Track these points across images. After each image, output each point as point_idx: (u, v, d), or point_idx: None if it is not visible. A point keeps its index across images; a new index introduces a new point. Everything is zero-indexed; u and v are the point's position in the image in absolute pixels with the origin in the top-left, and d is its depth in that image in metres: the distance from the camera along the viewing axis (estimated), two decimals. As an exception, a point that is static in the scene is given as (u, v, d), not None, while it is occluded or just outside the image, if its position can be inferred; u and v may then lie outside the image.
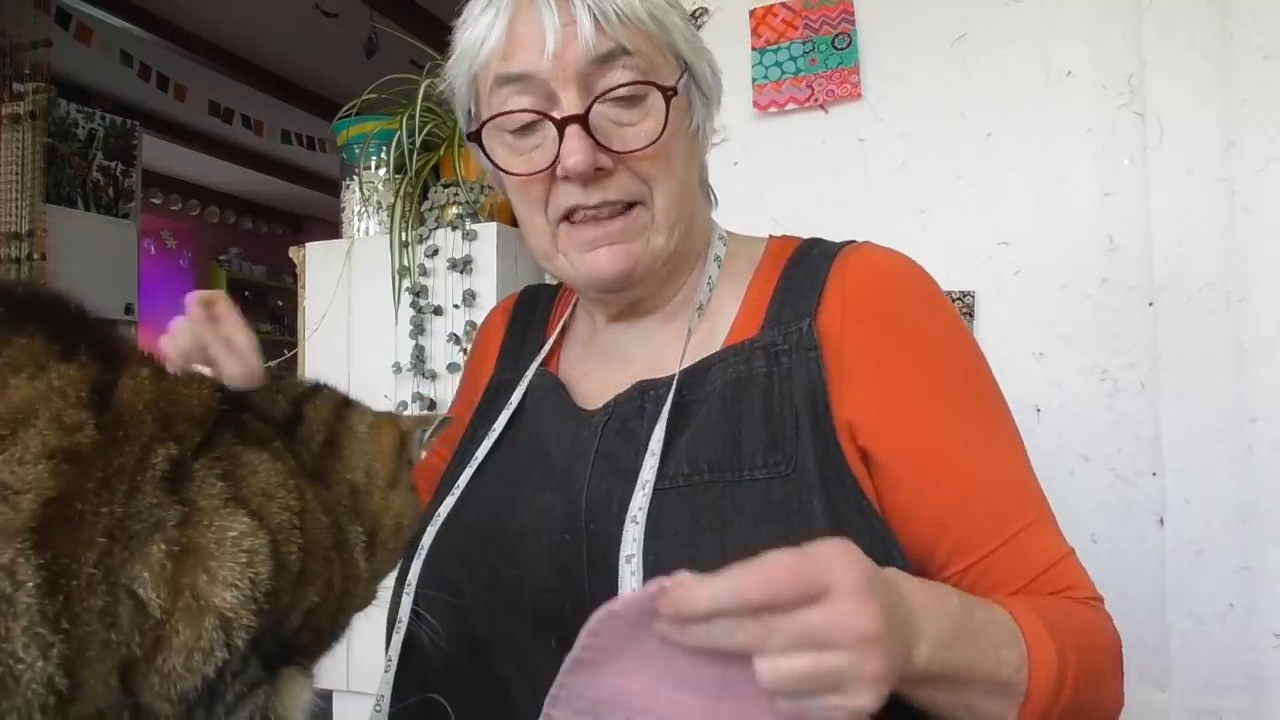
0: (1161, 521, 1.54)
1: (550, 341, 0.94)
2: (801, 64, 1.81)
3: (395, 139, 2.08)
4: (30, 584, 0.36)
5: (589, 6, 0.75)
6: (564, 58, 0.75)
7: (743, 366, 0.79)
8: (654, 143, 0.77)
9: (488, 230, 1.99)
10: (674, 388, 0.79)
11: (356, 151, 2.19)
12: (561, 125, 0.76)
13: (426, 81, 2.05)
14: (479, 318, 1.96)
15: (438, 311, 2.02)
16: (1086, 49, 1.63)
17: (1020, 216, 1.66)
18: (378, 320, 2.07)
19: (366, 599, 0.55)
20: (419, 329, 2.01)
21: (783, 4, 1.82)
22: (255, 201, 8.60)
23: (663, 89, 0.77)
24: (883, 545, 0.73)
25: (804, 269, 0.83)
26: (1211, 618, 1.50)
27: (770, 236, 0.91)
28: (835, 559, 0.55)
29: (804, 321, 0.79)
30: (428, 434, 0.62)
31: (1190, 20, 1.54)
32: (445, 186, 2.03)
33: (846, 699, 0.54)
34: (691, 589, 0.53)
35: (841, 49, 1.80)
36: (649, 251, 0.81)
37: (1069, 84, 1.64)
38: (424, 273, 2.03)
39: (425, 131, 2.05)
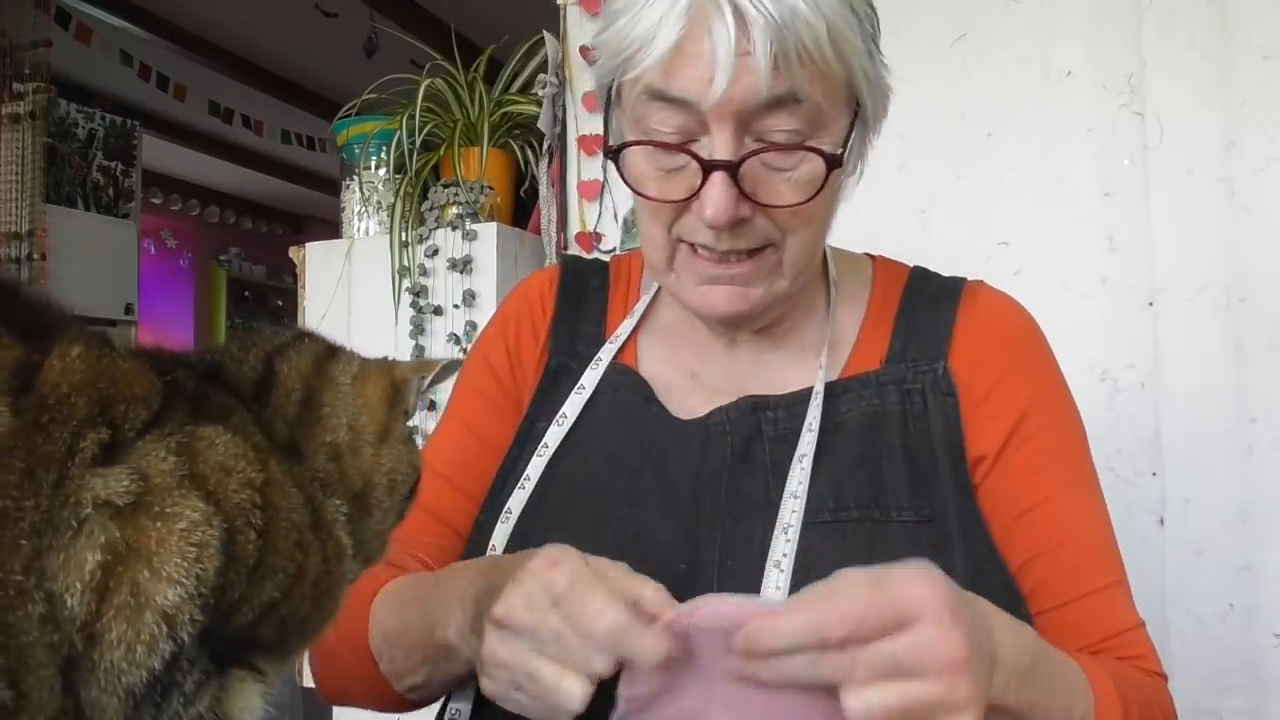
0: (1161, 521, 1.54)
1: (626, 332, 0.86)
2: (801, 64, 1.81)
3: (395, 139, 2.08)
4: None
5: (771, 40, 0.65)
6: (730, 93, 0.66)
7: (876, 400, 0.77)
8: (803, 203, 0.70)
9: (488, 230, 1.99)
10: (817, 425, 0.74)
11: (356, 151, 2.19)
12: (708, 168, 0.69)
13: (426, 81, 2.06)
14: (479, 318, 1.96)
15: (438, 311, 2.02)
16: (1086, 49, 1.63)
17: (1020, 216, 1.66)
18: (378, 320, 2.07)
19: (361, 567, 0.52)
20: (419, 329, 2.01)
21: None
22: (255, 201, 8.59)
23: (826, 156, 0.69)
24: (1012, 598, 0.73)
25: (926, 306, 0.83)
26: (1211, 618, 1.50)
27: (869, 255, 0.90)
28: (915, 583, 0.53)
29: (937, 364, 0.78)
30: (426, 380, 0.56)
31: (1190, 20, 1.54)
32: (445, 186, 2.03)
33: None
34: (768, 623, 0.51)
35: (841, 49, 1.79)
36: (770, 293, 0.76)
37: (1069, 84, 1.64)
38: (424, 273, 2.03)
39: (425, 131, 2.05)
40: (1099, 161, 1.62)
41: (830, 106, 0.70)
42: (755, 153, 0.69)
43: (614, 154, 0.75)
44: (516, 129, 2.11)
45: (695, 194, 0.70)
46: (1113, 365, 1.59)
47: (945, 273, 0.89)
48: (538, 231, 2.08)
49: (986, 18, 1.70)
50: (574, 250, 2.03)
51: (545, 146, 2.02)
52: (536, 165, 2.07)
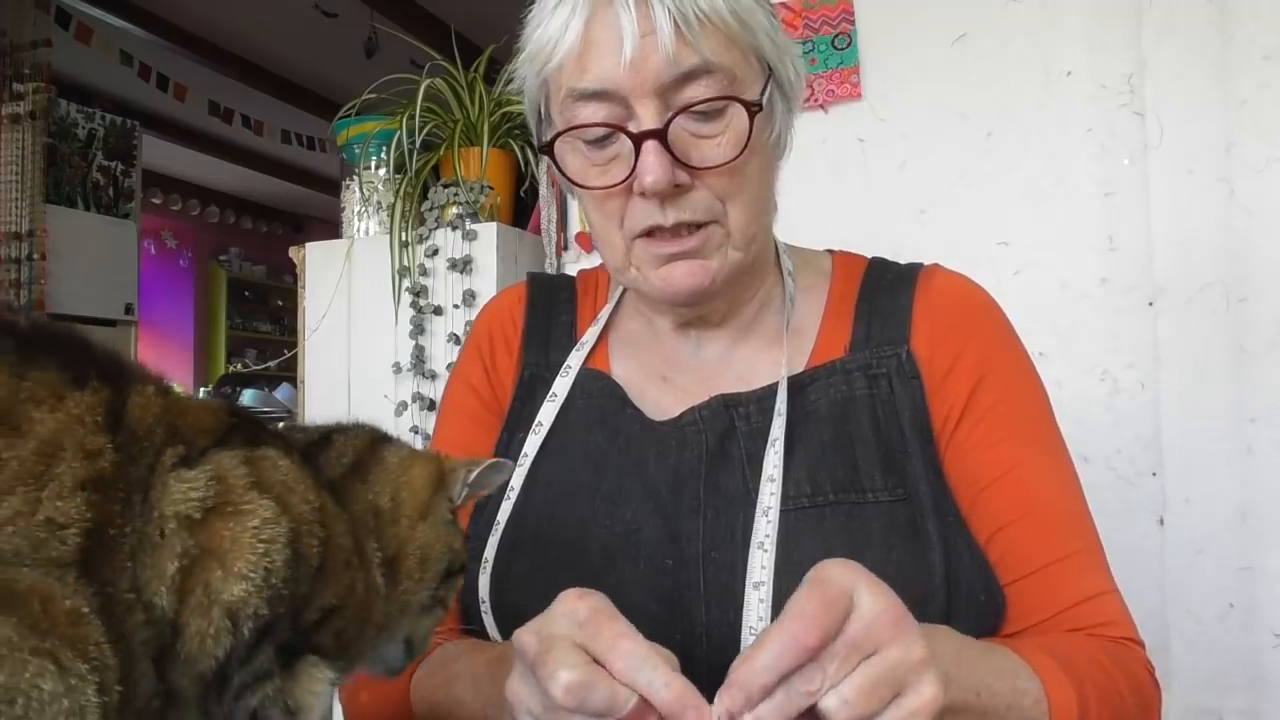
0: (1161, 521, 1.54)
1: (593, 339, 0.88)
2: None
3: (395, 139, 2.08)
4: (89, 609, 0.39)
5: (669, 10, 0.70)
6: (643, 70, 0.71)
7: (844, 386, 0.79)
8: (735, 159, 0.74)
9: (488, 230, 1.99)
10: (785, 409, 0.76)
11: (356, 151, 2.19)
12: (639, 140, 0.72)
13: (426, 81, 2.06)
14: (479, 318, 1.96)
15: (438, 311, 2.02)
16: (1086, 49, 1.63)
17: (1020, 216, 1.66)
18: (378, 320, 2.07)
19: (391, 623, 0.55)
20: (419, 329, 2.01)
21: (783, 4, 1.82)
22: (255, 201, 8.60)
23: (746, 104, 0.73)
24: (982, 573, 0.74)
25: (885, 293, 0.84)
26: (1211, 618, 1.50)
27: (830, 251, 0.92)
28: (836, 568, 0.54)
29: (900, 348, 0.80)
30: (473, 473, 0.60)
31: (1190, 20, 1.54)
32: (445, 186, 2.03)
33: (915, 695, 0.52)
34: (746, 666, 0.51)
35: (841, 49, 1.80)
36: (726, 266, 0.78)
37: (1069, 84, 1.64)
38: (424, 273, 2.03)
39: (425, 131, 2.05)
40: (1099, 161, 1.62)
41: (743, 72, 0.74)
42: (680, 112, 0.72)
43: (548, 148, 0.78)
44: (516, 129, 2.11)
45: (633, 172, 0.73)
46: (1113, 365, 1.59)
47: (945, 273, 0.89)
48: (538, 231, 2.08)
49: (986, 18, 1.70)
50: (574, 250, 2.03)
51: (545, 146, 2.02)
52: (536, 165, 2.07)
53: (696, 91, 0.72)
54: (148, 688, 0.41)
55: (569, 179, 0.78)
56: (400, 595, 0.54)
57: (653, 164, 0.72)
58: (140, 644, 0.41)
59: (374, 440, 0.58)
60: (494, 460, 0.62)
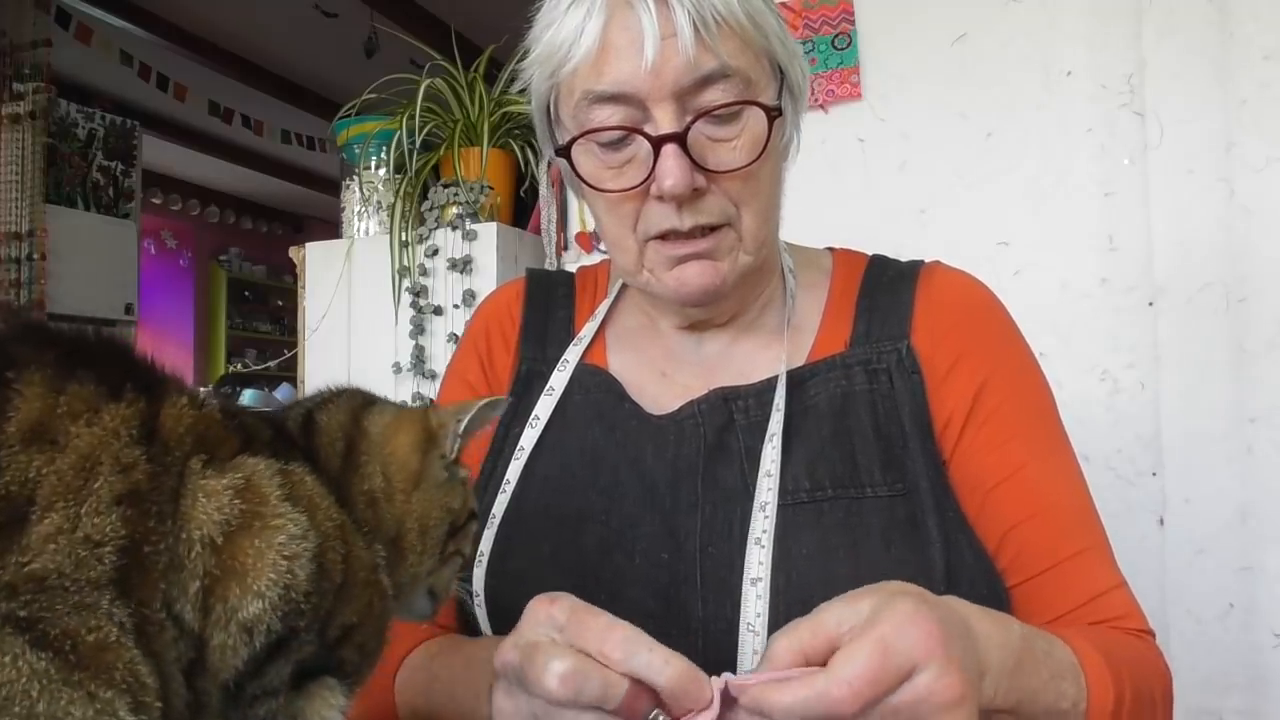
0: (1161, 521, 1.54)
1: (590, 333, 0.88)
2: (801, 64, 1.81)
3: (395, 139, 2.08)
4: (128, 625, 0.40)
5: (689, 13, 0.70)
6: (663, 74, 0.71)
7: (844, 381, 0.79)
8: (752, 162, 0.74)
9: (488, 230, 1.99)
10: (784, 404, 0.77)
11: (356, 151, 2.20)
12: (658, 144, 0.72)
13: (426, 81, 2.06)
14: (479, 318, 1.96)
15: (438, 311, 2.02)
16: (1086, 49, 1.63)
17: (1020, 216, 1.66)
18: (378, 320, 2.07)
19: (404, 595, 0.55)
20: (419, 329, 2.02)
21: (783, 4, 1.82)
22: (255, 201, 8.60)
23: (766, 108, 0.74)
24: (984, 570, 0.74)
25: (886, 290, 0.84)
26: (1211, 618, 1.50)
27: (831, 249, 0.92)
28: (911, 635, 0.52)
29: (901, 343, 0.80)
30: (463, 422, 0.58)
31: (1190, 20, 1.54)
32: (445, 186, 2.03)
33: None
34: (769, 697, 0.50)
35: (841, 49, 1.80)
36: (737, 269, 0.78)
37: (1069, 84, 1.64)
38: (424, 273, 2.03)
39: (425, 131, 2.05)
40: (1099, 161, 1.62)
41: (758, 76, 0.74)
42: (699, 117, 0.72)
43: (565, 151, 0.77)
44: (516, 129, 2.11)
45: (650, 175, 0.73)
46: (1113, 365, 1.59)
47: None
48: (538, 231, 2.08)
49: (986, 18, 1.70)
50: (574, 250, 2.03)
51: (545, 146, 2.02)
52: (536, 165, 2.07)
53: (714, 95, 0.72)
54: (179, 704, 0.42)
55: (584, 181, 0.78)
56: (408, 569, 0.55)
57: (673, 168, 0.71)
58: (172, 661, 0.42)
59: (354, 412, 0.56)
60: (486, 400, 0.60)
